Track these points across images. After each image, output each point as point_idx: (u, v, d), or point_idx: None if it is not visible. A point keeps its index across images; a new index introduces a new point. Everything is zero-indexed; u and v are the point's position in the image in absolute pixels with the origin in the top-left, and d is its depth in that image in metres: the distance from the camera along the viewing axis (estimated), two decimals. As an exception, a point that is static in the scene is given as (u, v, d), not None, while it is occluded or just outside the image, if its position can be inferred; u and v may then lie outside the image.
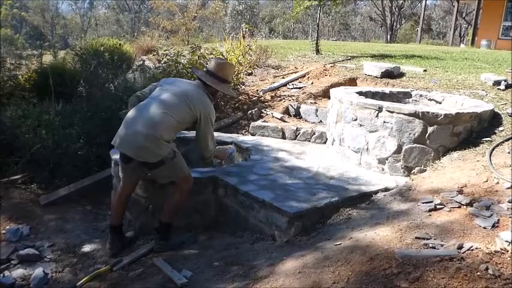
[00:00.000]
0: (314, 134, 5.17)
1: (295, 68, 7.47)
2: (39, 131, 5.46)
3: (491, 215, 2.85)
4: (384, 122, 4.05)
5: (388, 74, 6.20)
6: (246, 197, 3.53)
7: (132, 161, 3.40)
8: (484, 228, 2.71)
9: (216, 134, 5.28)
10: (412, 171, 4.02)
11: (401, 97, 5.13)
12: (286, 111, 5.90)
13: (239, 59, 6.82)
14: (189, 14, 15.07)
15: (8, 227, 4.18)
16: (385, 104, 4.09)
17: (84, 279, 3.27)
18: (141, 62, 6.70)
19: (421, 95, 5.08)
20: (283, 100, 6.12)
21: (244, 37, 7.52)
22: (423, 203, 3.21)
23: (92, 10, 52.16)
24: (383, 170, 4.15)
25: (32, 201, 4.69)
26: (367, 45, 13.86)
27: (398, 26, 36.25)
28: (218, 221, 3.87)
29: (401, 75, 6.32)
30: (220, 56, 6.46)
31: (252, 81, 7.05)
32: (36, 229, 4.26)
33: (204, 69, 3.79)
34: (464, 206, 3.05)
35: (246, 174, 3.94)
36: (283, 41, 16.66)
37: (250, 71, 7.33)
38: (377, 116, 4.10)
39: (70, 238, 4.10)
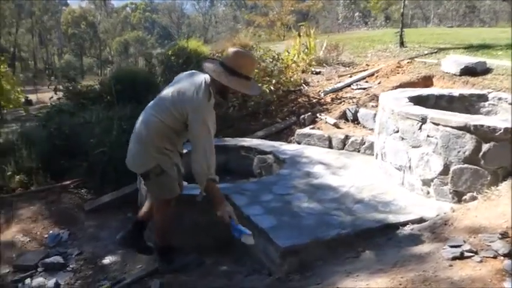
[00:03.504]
0: (364, 143, 4.54)
1: (367, 65, 6.74)
2: (102, 136, 5.72)
3: (531, 276, 2.11)
4: (428, 136, 3.34)
5: (469, 71, 5.19)
6: (247, 221, 3.18)
7: None
8: (514, 295, 2.01)
9: (259, 141, 5.00)
10: (463, 198, 3.25)
11: (475, 101, 4.23)
12: (343, 116, 5.32)
13: (294, 58, 6.35)
14: (285, 9, 14.79)
15: (51, 232, 4.41)
16: (430, 113, 3.36)
17: (82, 296, 3.25)
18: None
19: (499, 98, 4.13)
20: (343, 103, 5.53)
21: (300, 35, 7.00)
22: (450, 246, 2.54)
23: (212, 8, 54.86)
24: (428, 193, 3.44)
25: (79, 206, 4.89)
26: (479, 31, 12.06)
27: (537, 5, 31.24)
28: (229, 243, 3.56)
29: (486, 71, 5.23)
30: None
31: (318, 81, 6.54)
32: (75, 235, 4.42)
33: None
34: (501, 257, 2.33)
35: (262, 193, 3.58)
36: (381, 31, 15.31)
37: (318, 70, 6.81)
38: (420, 128, 3.40)
39: (98, 247, 4.16)
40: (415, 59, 6.51)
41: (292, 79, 6.06)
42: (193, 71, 3.15)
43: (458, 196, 3.28)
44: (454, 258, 2.41)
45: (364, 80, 6.12)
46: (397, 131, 3.63)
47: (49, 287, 3.50)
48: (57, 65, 52.97)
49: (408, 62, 6.30)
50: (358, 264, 2.66)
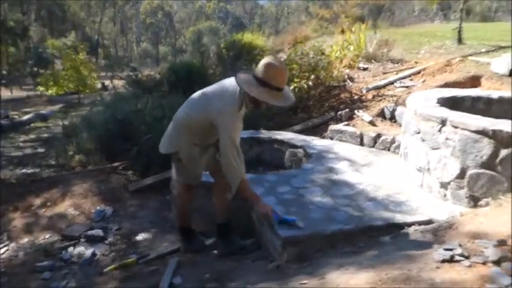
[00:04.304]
0: (394, 142, 4.52)
1: (415, 62, 6.57)
2: (152, 124, 6.14)
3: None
4: (447, 138, 3.30)
5: (518, 72, 4.93)
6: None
7: None
8: (492, 302, 2.03)
9: (292, 135, 5.14)
10: (479, 203, 3.20)
11: (515, 104, 4.05)
12: (381, 114, 5.28)
13: (337, 54, 6.33)
14: (350, 2, 14.52)
15: (97, 208, 4.88)
16: (450, 116, 3.31)
17: (111, 267, 3.63)
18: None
19: (542, 102, 3.93)
20: (382, 101, 5.48)
21: (343, 31, 6.92)
22: (444, 249, 2.55)
23: (285, -1, 54.87)
24: (445, 196, 3.40)
25: (124, 186, 5.34)
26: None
27: None
28: (250, 229, 3.75)
29: (538, 73, 4.94)
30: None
31: (363, 78, 6.50)
32: (117, 212, 4.84)
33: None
34: (491, 264, 2.31)
35: (280, 184, 3.74)
36: (454, 25, 14.51)
37: (366, 66, 6.75)
38: (440, 130, 3.37)
39: (135, 225, 4.54)
40: (469, 57, 6.23)
41: (333, 75, 6.09)
42: (232, 78, 3.13)
43: (474, 201, 3.22)
44: (444, 261, 2.42)
45: (409, 78, 5.99)
46: (419, 132, 3.61)
47: (86, 256, 3.92)
48: (135, 52, 56.07)
49: (459, 60, 6.05)
50: (352, 259, 2.75)
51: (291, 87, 5.64)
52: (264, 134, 5.18)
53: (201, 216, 3.82)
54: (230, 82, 3.09)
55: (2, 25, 23.77)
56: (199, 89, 3.68)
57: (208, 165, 3.36)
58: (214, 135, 3.13)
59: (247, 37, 8.67)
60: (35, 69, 23.87)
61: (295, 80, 5.65)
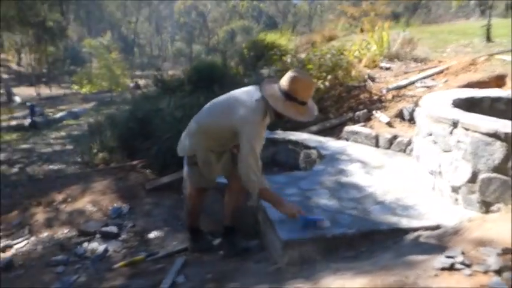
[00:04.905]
0: (409, 144, 4.40)
1: (439, 61, 6.36)
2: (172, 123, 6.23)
3: (510, 296, 2.02)
4: (458, 141, 3.19)
5: (545, 71, 4.70)
6: (263, 212, 3.36)
7: None
8: (487, 314, 1.96)
9: (306, 136, 5.10)
10: (491, 208, 3.07)
11: (538, 105, 3.87)
12: (400, 115, 5.15)
13: (356, 54, 6.19)
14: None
15: (115, 205, 5.01)
16: (462, 118, 3.20)
17: (121, 263, 3.71)
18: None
19: None
20: (402, 101, 5.35)
21: (362, 30, 6.77)
22: (446, 256, 2.47)
23: (319, -3, 54.32)
24: (457, 200, 3.29)
25: (142, 184, 5.44)
26: None
27: None
28: (257, 231, 3.75)
29: None
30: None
31: (385, 77, 6.35)
32: (133, 210, 4.95)
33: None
34: (491, 273, 2.22)
35: (288, 186, 3.71)
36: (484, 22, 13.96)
37: (388, 66, 6.59)
38: (451, 132, 3.25)
39: (149, 223, 4.63)
40: (495, 55, 5.98)
41: (352, 75, 5.98)
42: (255, 86, 3.10)
43: (486, 206, 3.10)
44: (443, 269, 2.34)
45: (431, 78, 5.80)
46: (431, 134, 3.50)
47: (99, 251, 4.02)
48: (169, 51, 57.00)
49: (485, 59, 5.82)
50: (351, 264, 2.70)
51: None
52: (279, 134, 5.16)
53: (210, 216, 3.84)
54: (253, 90, 3.04)
55: (42, 25, 24.65)
56: (219, 89, 3.65)
57: (225, 170, 3.33)
58: (231, 142, 3.14)
59: (271, 37, 8.60)
60: (72, 67, 24.71)
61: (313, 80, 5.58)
